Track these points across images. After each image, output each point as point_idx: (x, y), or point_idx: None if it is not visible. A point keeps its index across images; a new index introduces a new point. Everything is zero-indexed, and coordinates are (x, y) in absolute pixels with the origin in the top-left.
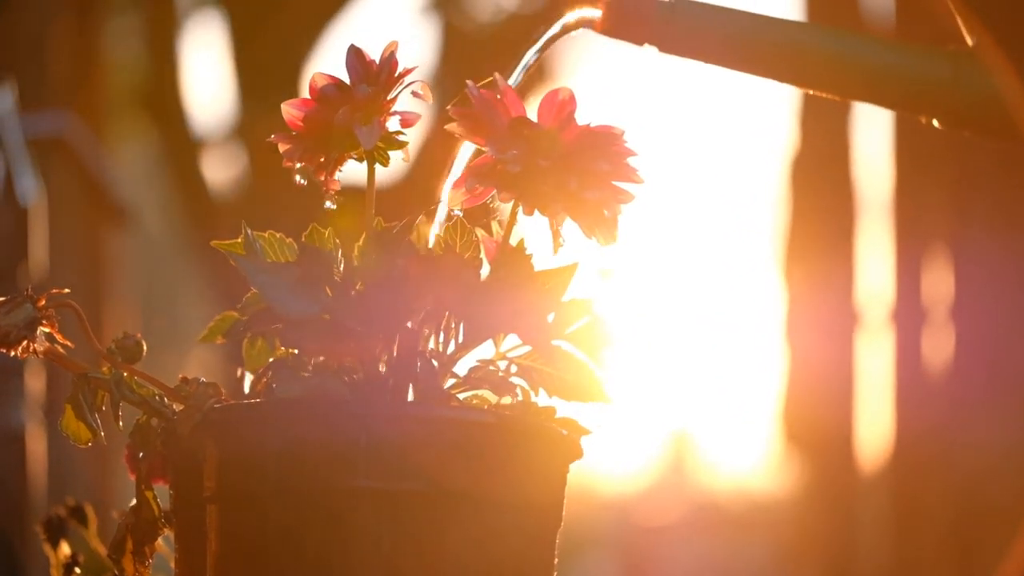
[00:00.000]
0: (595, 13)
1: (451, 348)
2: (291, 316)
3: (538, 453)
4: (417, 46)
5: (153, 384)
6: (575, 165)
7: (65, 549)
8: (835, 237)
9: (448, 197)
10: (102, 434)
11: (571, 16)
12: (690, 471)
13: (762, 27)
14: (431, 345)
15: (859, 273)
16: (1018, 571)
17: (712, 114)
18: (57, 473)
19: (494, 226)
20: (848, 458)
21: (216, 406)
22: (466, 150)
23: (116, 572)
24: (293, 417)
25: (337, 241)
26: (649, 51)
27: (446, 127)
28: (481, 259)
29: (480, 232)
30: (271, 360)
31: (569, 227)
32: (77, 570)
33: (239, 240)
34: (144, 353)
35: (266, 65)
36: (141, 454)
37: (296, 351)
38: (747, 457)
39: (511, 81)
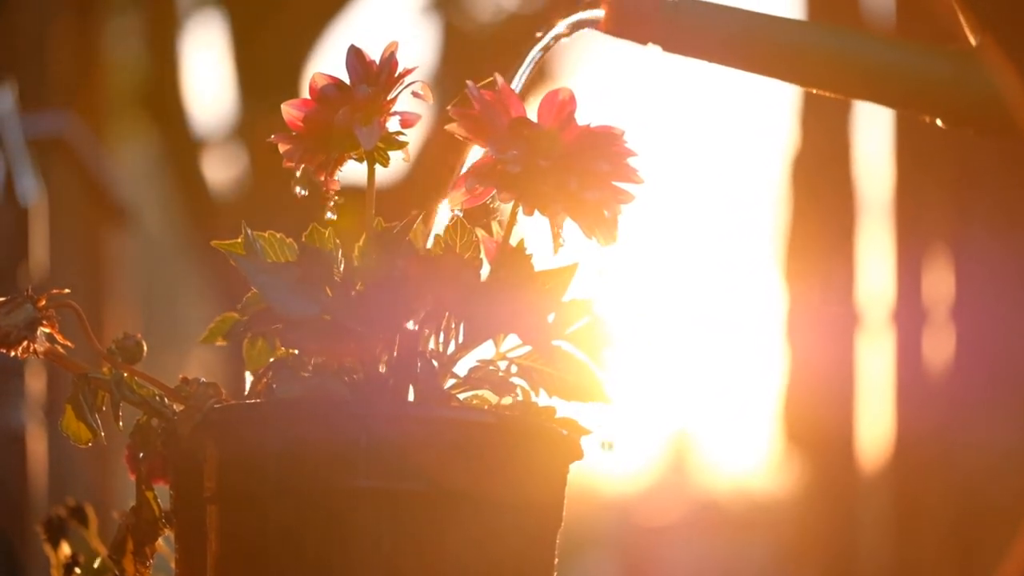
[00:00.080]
0: (599, 13)
1: (451, 348)
2: (291, 316)
3: (538, 453)
4: (417, 46)
5: (153, 384)
6: (575, 165)
7: (65, 549)
8: (835, 237)
9: (449, 198)
10: (102, 434)
11: (575, 15)
12: (690, 471)
13: (766, 26)
14: (431, 345)
15: (860, 273)
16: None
17: (712, 114)
18: (57, 473)
19: (494, 226)
20: (849, 458)
21: (216, 406)
22: (475, 154)
23: (117, 572)
24: (293, 417)
25: (337, 241)
26: (652, 50)
27: (446, 127)
28: (481, 259)
29: (480, 232)
30: (271, 360)
31: (569, 227)
32: (77, 570)
33: (239, 240)
34: (144, 353)
35: (266, 65)
36: (141, 454)
37: (296, 351)
38: (748, 457)
39: (517, 80)
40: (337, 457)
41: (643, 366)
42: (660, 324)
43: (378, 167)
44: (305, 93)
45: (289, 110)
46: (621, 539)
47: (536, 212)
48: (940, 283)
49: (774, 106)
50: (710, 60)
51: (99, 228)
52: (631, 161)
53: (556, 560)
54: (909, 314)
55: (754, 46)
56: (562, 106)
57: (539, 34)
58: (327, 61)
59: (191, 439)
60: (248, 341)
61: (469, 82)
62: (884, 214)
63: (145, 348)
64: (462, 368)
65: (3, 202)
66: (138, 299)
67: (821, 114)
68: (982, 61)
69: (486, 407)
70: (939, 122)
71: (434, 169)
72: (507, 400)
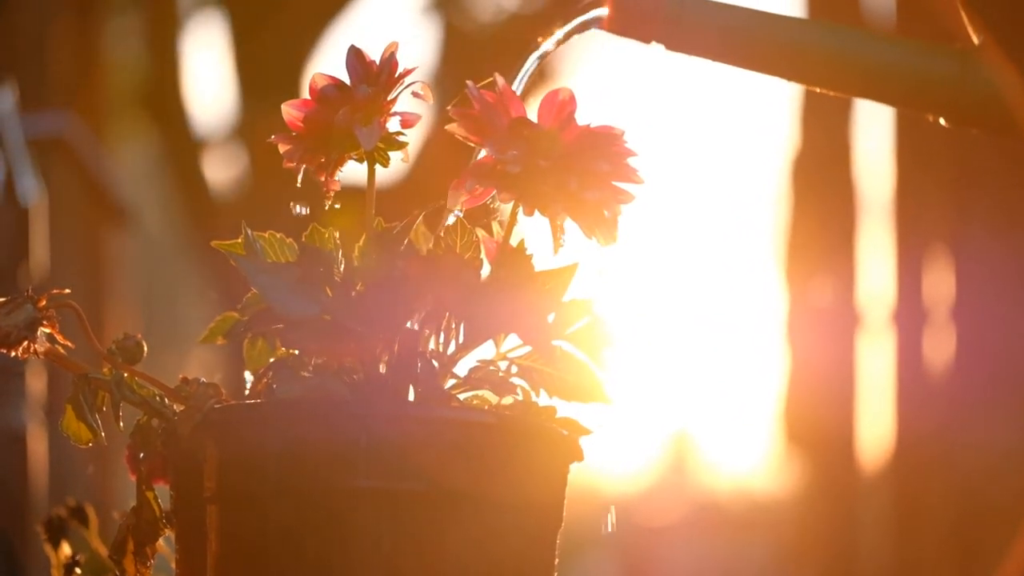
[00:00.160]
0: (602, 11)
1: (451, 348)
2: (291, 316)
3: (539, 453)
4: (417, 46)
5: (154, 385)
6: (575, 165)
7: (66, 549)
8: (836, 237)
9: (449, 198)
10: (103, 435)
11: (579, 16)
12: (690, 471)
13: (768, 24)
14: (431, 345)
15: (860, 273)
16: (1019, 571)
17: (713, 114)
18: (58, 473)
19: (494, 226)
20: (849, 458)
21: (216, 407)
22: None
23: (117, 572)
24: (293, 417)
25: (337, 241)
26: (656, 49)
27: (446, 127)
28: (481, 259)
29: (480, 232)
30: (271, 360)
31: (569, 227)
32: (78, 570)
33: (239, 240)
34: (144, 353)
35: (267, 65)
36: (142, 455)
37: (296, 351)
38: (748, 457)
39: (521, 79)
40: (337, 457)
41: (643, 366)
42: (660, 324)
43: (378, 167)
44: (305, 93)
45: (289, 110)
46: (621, 539)
47: (536, 212)
48: (940, 283)
49: (774, 106)
50: (713, 58)
51: (99, 228)
52: (631, 161)
53: (556, 560)
54: (909, 314)
55: (756, 44)
56: (562, 106)
57: (540, 39)
58: (327, 61)
59: (191, 439)
60: (248, 341)
61: (469, 82)
62: (884, 214)
63: (145, 348)
64: (462, 368)
65: (3, 202)
66: (138, 299)
67: (821, 114)
68: (983, 60)
69: (486, 407)
70: (942, 121)
71: (434, 169)
72: (507, 400)
